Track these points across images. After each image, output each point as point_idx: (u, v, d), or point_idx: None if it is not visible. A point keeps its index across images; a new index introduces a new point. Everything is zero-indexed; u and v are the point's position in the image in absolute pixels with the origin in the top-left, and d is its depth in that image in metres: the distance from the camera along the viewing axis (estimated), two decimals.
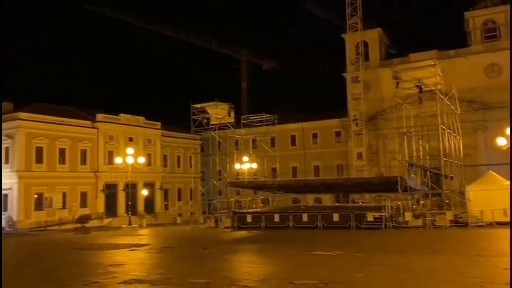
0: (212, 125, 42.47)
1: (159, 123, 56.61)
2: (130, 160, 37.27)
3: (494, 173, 30.69)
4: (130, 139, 52.34)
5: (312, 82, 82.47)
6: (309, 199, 51.58)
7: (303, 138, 61.63)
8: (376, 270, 12.38)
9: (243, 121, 46.00)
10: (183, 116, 48.23)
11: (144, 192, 52.58)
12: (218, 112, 41.45)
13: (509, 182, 29.23)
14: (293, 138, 62.46)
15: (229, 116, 42.18)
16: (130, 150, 39.06)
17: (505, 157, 36.51)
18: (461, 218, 27.66)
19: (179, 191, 59.80)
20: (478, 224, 25.82)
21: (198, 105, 41.54)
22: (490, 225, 25.42)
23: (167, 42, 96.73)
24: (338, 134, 59.83)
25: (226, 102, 42.11)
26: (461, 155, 35.62)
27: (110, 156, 49.39)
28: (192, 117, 41.45)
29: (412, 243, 19.67)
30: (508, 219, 26.08)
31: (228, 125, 42.95)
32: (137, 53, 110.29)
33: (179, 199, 59.48)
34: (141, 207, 52.47)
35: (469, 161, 43.36)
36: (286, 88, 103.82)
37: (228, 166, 44.85)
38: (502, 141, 33.65)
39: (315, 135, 61.47)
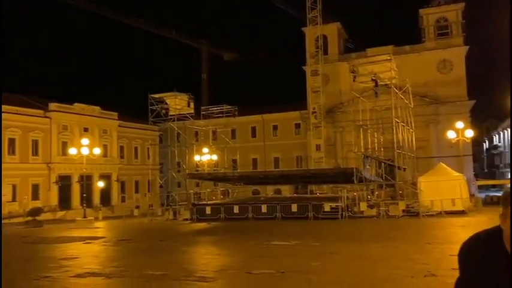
0: (171, 115, 41.78)
1: (115, 114, 55.03)
2: (85, 151, 36.05)
3: (444, 165, 32.16)
4: (86, 129, 50.60)
5: (273, 74, 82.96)
6: (269, 190, 52.02)
7: (263, 130, 61.88)
8: (332, 258, 12.67)
9: (203, 112, 45.56)
10: (141, 106, 47.23)
11: (100, 184, 51.12)
12: (177, 102, 40.84)
13: (458, 174, 30.79)
14: (253, 130, 62.60)
15: (188, 106, 41.66)
16: (85, 141, 37.76)
17: (454, 150, 38.42)
18: (413, 207, 28.86)
19: (137, 183, 58.57)
20: (428, 213, 27.01)
21: (157, 96, 40.71)
22: (440, 214, 26.65)
23: (125, 31, 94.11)
24: (298, 126, 60.52)
25: (185, 93, 41.53)
26: (414, 148, 37.05)
27: (64, 147, 47.54)
28: (150, 107, 40.59)
29: (367, 232, 20.28)
30: (456, 208, 27.52)
31: (188, 115, 42.41)
32: (94, 42, 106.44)
33: (137, 191, 58.28)
34: (96, 199, 50.99)
35: (421, 153, 45.19)
36: (247, 80, 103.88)
37: (187, 158, 44.37)
38: (451, 135, 35.36)
39: (275, 127, 61.88)
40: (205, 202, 36.48)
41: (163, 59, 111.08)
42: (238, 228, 23.90)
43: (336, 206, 28.74)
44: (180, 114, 41.96)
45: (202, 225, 28.19)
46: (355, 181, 29.85)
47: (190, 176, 41.69)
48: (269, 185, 49.01)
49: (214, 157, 46.54)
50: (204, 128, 45.33)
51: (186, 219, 32.51)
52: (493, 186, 64.32)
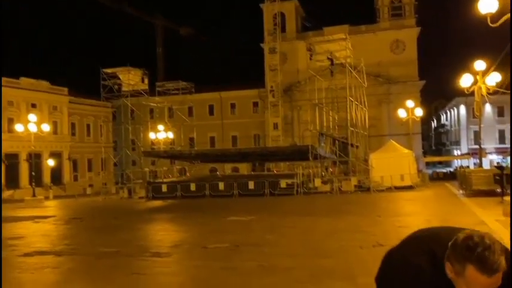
0: (124, 91, 40.50)
1: (65, 89, 52.65)
2: (33, 128, 34.38)
3: (394, 142, 33.41)
4: (33, 105, 48.15)
5: (231, 51, 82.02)
6: (227, 168, 52.10)
7: (221, 108, 61.48)
8: (286, 232, 12.96)
9: (158, 88, 44.51)
10: (93, 82, 45.42)
11: (50, 162, 49.13)
12: (131, 78, 39.57)
13: (407, 151, 32.11)
14: (211, 107, 62.05)
15: (142, 82, 40.50)
16: (33, 117, 35.96)
17: (404, 128, 39.88)
18: (364, 183, 29.92)
19: (89, 161, 56.82)
20: (379, 188, 28.10)
21: (109, 70, 39.23)
22: (389, 189, 27.82)
23: (76, 3, 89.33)
24: (256, 104, 60.57)
25: (140, 68, 40.29)
26: (367, 126, 38.18)
27: (10, 123, 45.08)
28: (102, 82, 39.12)
29: (320, 207, 20.86)
30: (404, 183, 28.80)
31: (142, 92, 41.26)
32: (43, 13, 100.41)
33: (90, 170, 56.59)
34: (47, 178, 49.07)
35: (373, 131, 46.70)
36: (204, 56, 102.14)
37: (142, 135, 43.44)
38: (402, 113, 36.64)
39: (233, 105, 61.60)
40: (161, 180, 36.03)
41: (117, 33, 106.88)
42: (195, 206, 23.86)
43: (292, 182, 29.28)
44: (133, 90, 40.74)
45: (158, 203, 27.90)
46: (310, 158, 30.48)
47: (146, 154, 40.95)
48: (227, 163, 49.08)
49: (171, 135, 45.83)
50: (159, 105, 44.39)
51: (142, 198, 32.06)
52: (440, 162, 67.77)
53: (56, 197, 38.65)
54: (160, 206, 25.86)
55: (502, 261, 1.56)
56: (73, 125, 54.82)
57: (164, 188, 31.68)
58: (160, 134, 44.72)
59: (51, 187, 44.17)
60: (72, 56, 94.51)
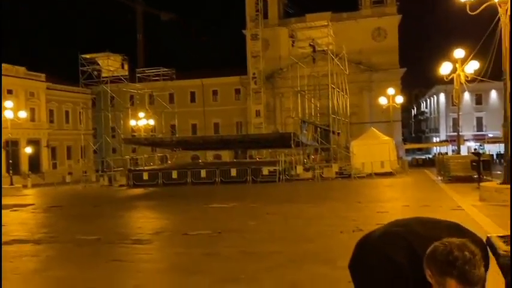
0: (103, 77, 39.74)
1: (43, 75, 51.32)
2: (9, 115, 33.51)
3: (375, 130, 33.81)
4: (9, 92, 46.82)
5: (212, 37, 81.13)
6: (209, 156, 51.95)
7: (203, 95, 60.97)
8: (268, 218, 13.04)
9: (138, 75, 43.84)
10: (71, 68, 44.43)
11: (28, 150, 48.11)
12: (110, 64, 38.83)
13: (387, 138, 32.54)
14: (192, 94, 61.47)
15: (122, 68, 39.82)
16: (9, 104, 35.02)
17: (385, 115, 40.32)
18: (345, 170, 30.28)
19: (69, 148, 55.80)
20: (359, 175, 28.48)
21: (88, 56, 38.40)
22: (370, 175, 28.21)
23: None
24: (238, 91, 60.25)
25: (119, 54, 39.55)
26: (348, 113, 38.47)
27: None
28: (81, 68, 38.29)
29: (302, 193, 21.04)
30: (385, 170, 29.23)
31: (122, 78, 40.56)
32: None
33: (69, 157, 55.61)
34: (25, 166, 48.04)
35: (354, 118, 47.10)
36: (185, 42, 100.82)
37: (122, 122, 42.83)
38: (383, 101, 36.99)
39: (215, 92, 61.15)
40: (142, 168, 35.72)
41: (96, 18, 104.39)
42: (177, 193, 23.78)
43: (274, 169, 29.41)
44: (113, 76, 40.00)
45: (139, 190, 27.71)
46: (292, 145, 30.62)
47: (126, 141, 40.45)
48: (209, 151, 48.95)
49: (151, 122, 45.34)
50: (139, 92, 43.78)
51: (122, 185, 31.77)
52: (419, 149, 68.96)
53: (34, 186, 37.98)
54: (142, 194, 25.69)
55: (482, 273, 1.59)
56: (51, 112, 53.63)
57: (145, 176, 31.43)
58: (141, 121, 44.19)
59: (29, 175, 43.34)
60: (50, 41, 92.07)
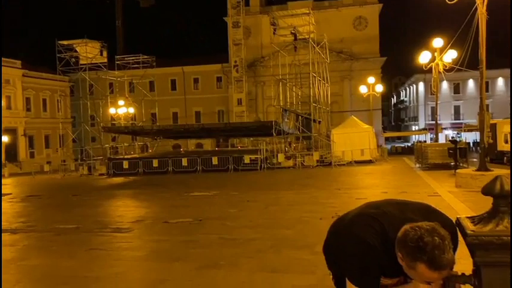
0: (82, 64, 38.89)
1: (18, 62, 49.99)
2: None
3: (355, 118, 34.18)
4: None
5: (193, 24, 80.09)
6: (190, 145, 51.71)
7: (184, 83, 60.44)
8: (248, 205, 13.10)
9: (117, 62, 43.08)
10: (48, 55, 43.36)
11: (5, 138, 46.97)
12: (88, 50, 38.02)
13: (367, 126, 32.92)
14: (173, 82, 60.87)
15: (101, 55, 39.04)
16: None
17: (365, 104, 40.79)
18: (326, 158, 30.57)
19: (47, 137, 54.74)
20: (340, 163, 28.82)
21: (65, 42, 37.50)
22: (350, 163, 28.57)
23: None
24: (219, 79, 59.90)
25: (98, 40, 38.73)
26: (329, 102, 38.72)
27: None
28: (58, 55, 37.39)
29: (283, 181, 21.17)
30: (364, 158, 29.63)
31: (101, 65, 39.80)
32: None
33: (47, 146, 54.59)
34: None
35: (336, 107, 47.48)
36: (166, 29, 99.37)
37: (101, 110, 42.14)
38: (363, 89, 37.31)
39: (196, 80, 60.66)
40: (122, 156, 35.33)
41: (74, 4, 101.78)
42: (157, 182, 23.63)
43: (256, 158, 29.48)
44: (92, 63, 39.18)
45: (119, 179, 27.44)
46: (274, 134, 30.71)
47: (106, 129, 39.86)
48: (190, 139, 48.68)
49: (131, 110, 44.76)
50: (119, 79, 43.06)
51: (102, 174, 31.40)
52: (399, 137, 70.11)
53: (11, 175, 37.22)
54: (122, 183, 25.44)
55: (451, 257, 1.68)
56: (28, 100, 52.42)
57: (125, 165, 31.11)
58: (121, 109, 43.57)
59: (6, 164, 42.42)
60: (26, 28, 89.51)
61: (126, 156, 35.18)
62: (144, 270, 6.80)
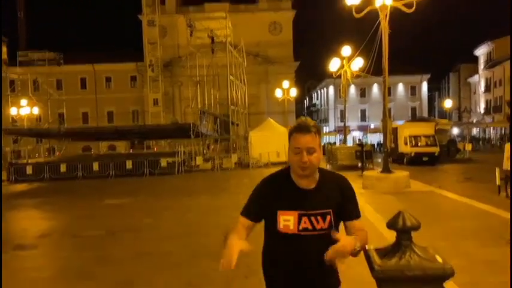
0: None
1: None
2: None
3: (272, 120, 35.04)
4: None
5: (105, 20, 76.30)
6: (102, 147, 49.15)
7: (95, 82, 57.42)
8: (165, 214, 12.79)
9: (20, 58, 39.70)
10: None
11: None
12: None
13: (283, 128, 33.93)
14: (83, 81, 57.53)
15: (0, 51, 35.60)
16: None
17: (281, 106, 42.00)
18: (244, 160, 30.96)
19: None
20: (257, 164, 29.35)
21: None
22: (267, 165, 29.22)
23: None
24: (134, 78, 57.86)
25: None
26: (247, 104, 39.29)
27: None
28: None
29: (201, 185, 21.03)
30: (280, 159, 30.49)
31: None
32: None
33: None
34: None
35: (253, 109, 48.29)
36: (75, 23, 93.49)
37: (1, 111, 38.36)
38: (279, 93, 38.39)
39: (108, 79, 57.93)
40: (25, 161, 32.50)
41: None
42: (66, 189, 22.13)
43: (173, 161, 28.84)
44: None
45: (21, 186, 25.19)
46: (192, 136, 30.34)
47: (6, 131, 36.36)
48: (102, 141, 46.29)
49: (36, 110, 41.40)
50: (21, 77, 39.63)
51: (2, 181, 28.59)
52: None
53: None
54: (25, 190, 23.40)
55: (311, 126, 2.26)
56: None
57: (29, 170, 28.64)
58: (24, 110, 40.10)
59: None
60: None
61: (29, 161, 32.41)
62: None
